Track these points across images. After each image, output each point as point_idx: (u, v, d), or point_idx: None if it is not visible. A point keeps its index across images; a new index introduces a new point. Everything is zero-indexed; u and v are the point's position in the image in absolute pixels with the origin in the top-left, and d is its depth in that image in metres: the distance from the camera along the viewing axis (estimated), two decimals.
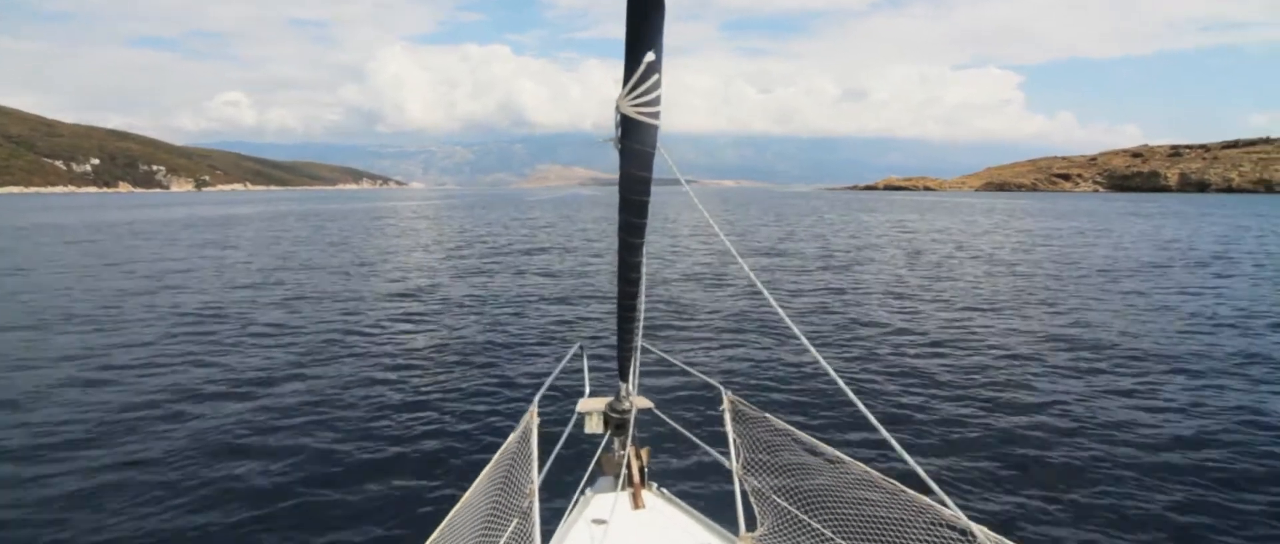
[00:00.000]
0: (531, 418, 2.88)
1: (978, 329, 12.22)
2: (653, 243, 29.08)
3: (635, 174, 2.24)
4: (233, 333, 11.76)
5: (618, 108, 2.06)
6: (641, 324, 3.15)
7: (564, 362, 3.86)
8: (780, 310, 2.46)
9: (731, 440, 2.99)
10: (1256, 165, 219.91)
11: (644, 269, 2.81)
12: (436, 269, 21.64)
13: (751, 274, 2.65)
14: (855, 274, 20.05)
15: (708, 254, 25.61)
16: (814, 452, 2.75)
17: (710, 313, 13.65)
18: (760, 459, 2.86)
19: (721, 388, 3.27)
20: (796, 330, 2.37)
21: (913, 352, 10.46)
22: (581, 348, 4.12)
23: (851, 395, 2.19)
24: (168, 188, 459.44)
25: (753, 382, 8.81)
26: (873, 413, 2.13)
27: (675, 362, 4.28)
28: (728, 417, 3.10)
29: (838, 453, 2.61)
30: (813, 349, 2.28)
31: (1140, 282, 18.43)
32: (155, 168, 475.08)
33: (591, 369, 4.13)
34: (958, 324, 12.66)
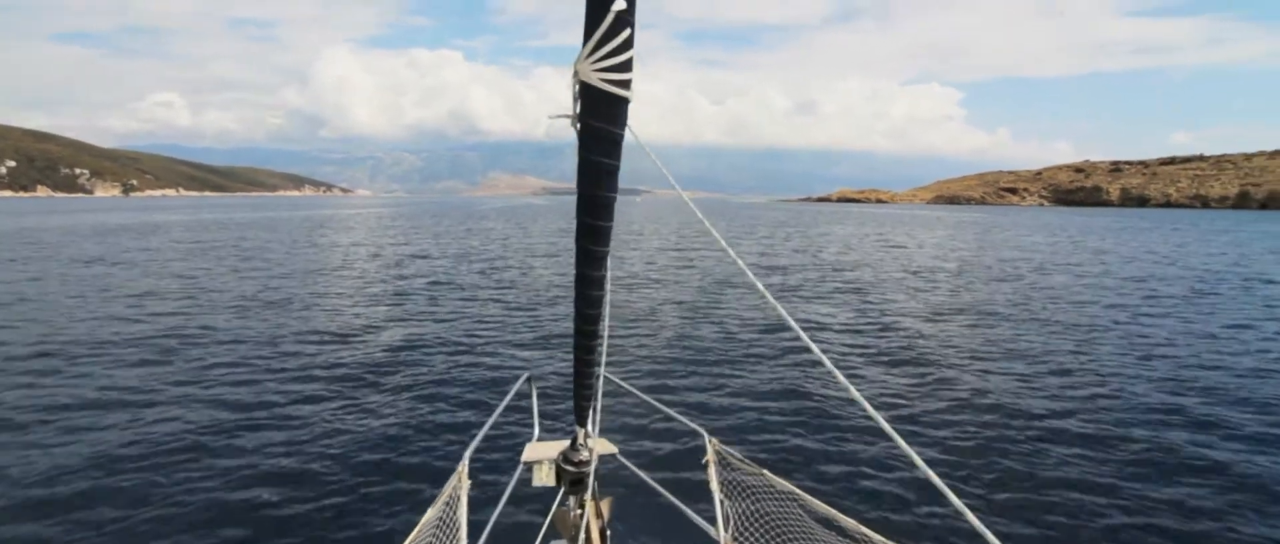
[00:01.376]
0: (461, 477, 2.25)
1: (1048, 361, 10.05)
2: (617, 258, 23.98)
3: (599, 162, 1.62)
4: (87, 369, 9.24)
5: (576, 74, 1.47)
6: (605, 353, 2.72)
7: (508, 397, 3.04)
8: (804, 334, 1.68)
9: (717, 499, 2.43)
10: (1193, 181, 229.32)
11: (608, 285, 2.24)
12: (357, 282, 18.42)
13: (764, 291, 1.81)
14: (861, 295, 16.52)
15: (684, 271, 21.47)
16: (823, 519, 2.18)
17: (688, 339, 11.51)
18: (752, 521, 2.35)
19: (704, 433, 2.70)
20: (825, 360, 1.62)
21: (960, 391, 8.56)
22: (530, 378, 3.37)
23: (903, 444, 1.50)
24: (91, 193, 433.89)
25: (744, 426, 7.33)
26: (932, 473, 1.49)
27: (646, 399, 3.40)
28: (712, 469, 2.55)
29: (858, 525, 2.04)
30: (843, 380, 1.57)
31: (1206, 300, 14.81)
32: (78, 171, 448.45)
33: (542, 405, 3.41)
34: (1020, 357, 10.27)
